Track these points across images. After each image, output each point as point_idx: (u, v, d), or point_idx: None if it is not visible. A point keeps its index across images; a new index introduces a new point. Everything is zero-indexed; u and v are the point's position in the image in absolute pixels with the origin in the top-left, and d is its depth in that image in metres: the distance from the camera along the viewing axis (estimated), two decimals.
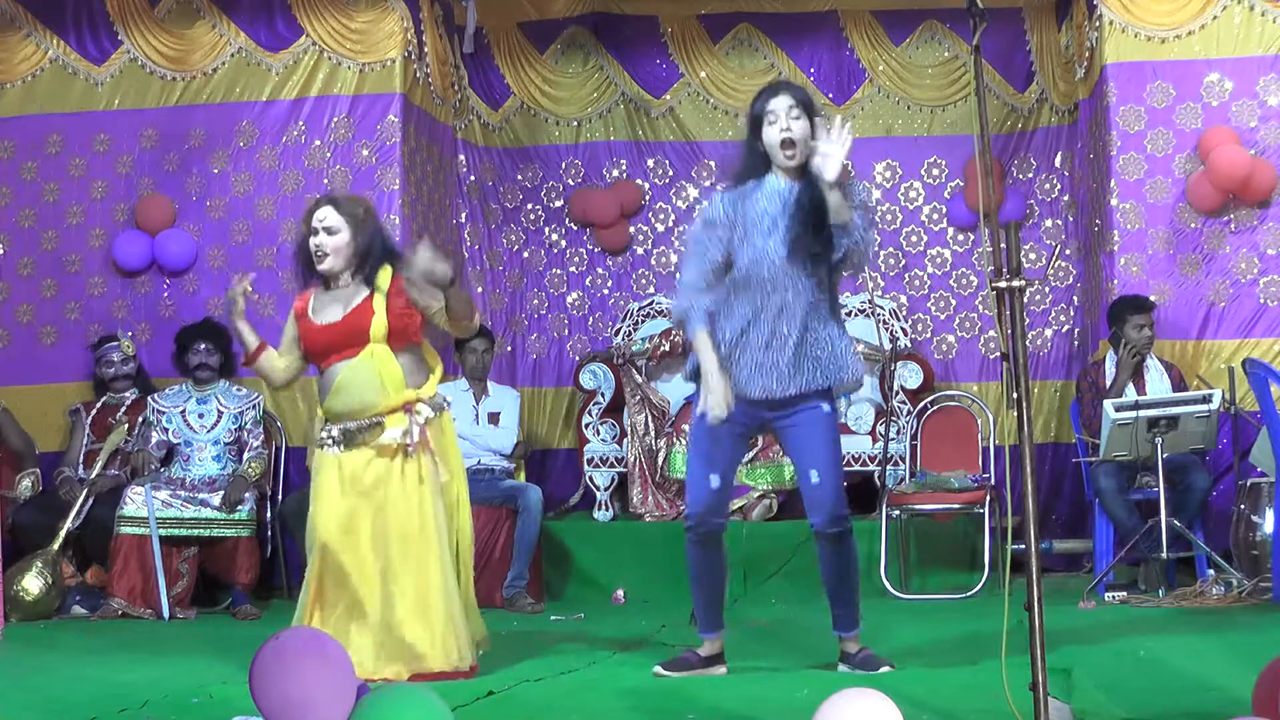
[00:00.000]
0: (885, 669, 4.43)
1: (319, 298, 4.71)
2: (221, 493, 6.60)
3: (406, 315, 4.63)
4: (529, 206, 8.72)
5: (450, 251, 8.41)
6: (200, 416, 6.85)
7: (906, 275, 8.39)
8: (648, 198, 8.63)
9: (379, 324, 4.56)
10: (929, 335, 8.33)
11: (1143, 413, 6.15)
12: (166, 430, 6.83)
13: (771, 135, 4.38)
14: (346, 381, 4.56)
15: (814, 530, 4.45)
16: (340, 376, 4.57)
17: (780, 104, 4.38)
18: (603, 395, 7.79)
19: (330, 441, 4.58)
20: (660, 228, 8.61)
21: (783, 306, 4.36)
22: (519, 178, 8.72)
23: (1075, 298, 8.18)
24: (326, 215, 4.62)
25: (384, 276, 4.63)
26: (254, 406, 6.91)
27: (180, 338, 6.97)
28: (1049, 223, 8.27)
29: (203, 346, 6.86)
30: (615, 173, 8.65)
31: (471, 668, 4.57)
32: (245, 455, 6.82)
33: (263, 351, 4.79)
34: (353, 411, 4.56)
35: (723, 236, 4.42)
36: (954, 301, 8.35)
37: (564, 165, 8.70)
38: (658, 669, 4.51)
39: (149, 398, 6.98)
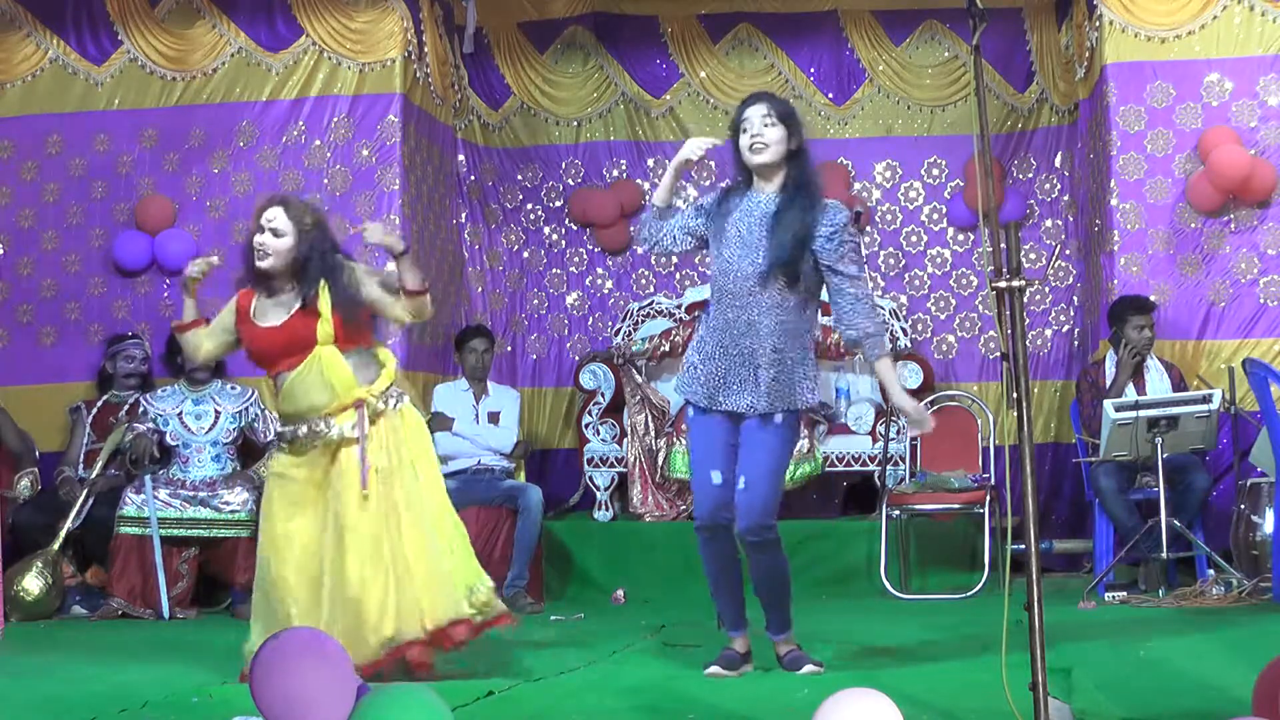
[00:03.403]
0: (809, 669, 4.42)
1: (261, 301, 4.70)
2: (223, 493, 6.60)
3: (353, 324, 4.63)
4: (529, 206, 8.72)
5: (450, 251, 8.42)
6: (197, 418, 6.82)
7: (906, 275, 8.39)
8: (648, 198, 8.62)
9: (324, 327, 4.55)
10: (929, 335, 8.33)
11: (1143, 413, 6.15)
12: (162, 433, 6.81)
13: (742, 142, 4.43)
14: (294, 388, 4.56)
15: (737, 534, 4.45)
16: (288, 383, 4.58)
17: (754, 112, 4.41)
18: (603, 395, 7.79)
19: (280, 439, 4.65)
20: None
21: (750, 323, 4.35)
22: (519, 178, 8.72)
23: (1075, 298, 8.18)
24: (275, 217, 4.61)
25: (324, 298, 4.59)
26: (254, 403, 6.88)
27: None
28: (1049, 223, 8.27)
29: None
30: (615, 173, 8.65)
31: (464, 622, 4.59)
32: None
33: (196, 326, 4.82)
34: (302, 413, 4.57)
35: (697, 219, 4.52)
36: (954, 301, 8.34)
37: (564, 165, 8.69)
38: (715, 669, 4.45)
39: (142, 397, 6.94)
